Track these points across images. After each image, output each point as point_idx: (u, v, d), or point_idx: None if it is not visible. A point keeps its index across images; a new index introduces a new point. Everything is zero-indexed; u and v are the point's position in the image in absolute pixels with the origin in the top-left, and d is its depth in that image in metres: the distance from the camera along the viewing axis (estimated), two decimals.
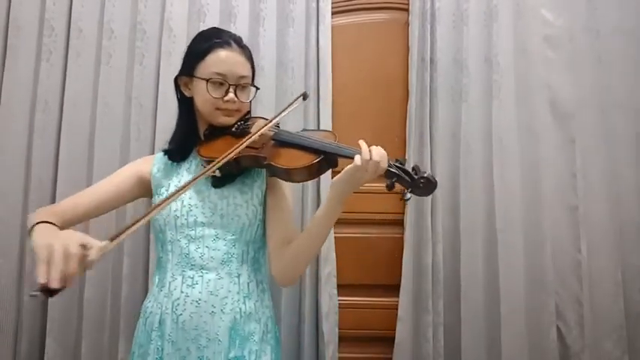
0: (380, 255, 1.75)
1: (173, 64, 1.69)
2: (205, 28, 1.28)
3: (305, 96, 1.19)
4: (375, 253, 1.76)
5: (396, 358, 1.66)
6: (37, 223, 0.96)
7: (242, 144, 1.06)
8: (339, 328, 1.68)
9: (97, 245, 0.81)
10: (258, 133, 1.09)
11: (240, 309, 1.12)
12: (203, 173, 1.01)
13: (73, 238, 0.81)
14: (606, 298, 1.65)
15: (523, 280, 1.64)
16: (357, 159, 0.99)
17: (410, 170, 1.00)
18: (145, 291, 1.67)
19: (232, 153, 1.04)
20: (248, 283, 1.15)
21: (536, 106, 1.71)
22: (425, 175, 0.98)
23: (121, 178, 1.20)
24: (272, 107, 1.69)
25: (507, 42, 1.71)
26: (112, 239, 0.84)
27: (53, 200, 1.67)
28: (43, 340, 1.63)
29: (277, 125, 1.17)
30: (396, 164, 1.01)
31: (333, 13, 1.77)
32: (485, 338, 1.65)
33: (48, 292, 0.76)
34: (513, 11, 1.73)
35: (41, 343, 1.65)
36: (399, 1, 1.82)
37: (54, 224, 0.97)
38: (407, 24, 1.78)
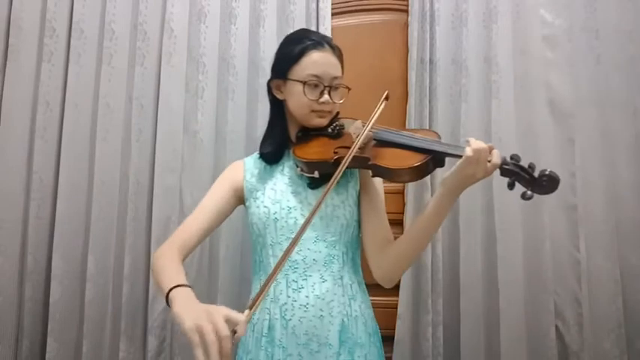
0: None
1: (174, 65, 1.70)
2: (293, 31, 1.28)
3: (387, 97, 1.13)
4: None
5: (395, 356, 1.67)
6: (173, 287, 0.91)
7: (356, 144, 1.03)
8: None
9: (241, 319, 0.80)
10: (365, 134, 1.05)
11: (347, 312, 1.11)
12: (339, 172, 0.98)
13: (219, 315, 0.78)
14: (605, 297, 1.65)
15: (522, 279, 1.65)
16: (468, 150, 0.96)
17: (527, 167, 0.95)
18: (146, 291, 1.67)
19: (353, 150, 1.01)
20: (351, 285, 1.14)
21: (536, 106, 1.71)
22: (547, 172, 0.94)
23: (220, 194, 1.19)
24: None
25: (506, 42, 1.72)
26: (250, 307, 0.84)
27: (54, 201, 1.68)
28: (45, 340, 1.64)
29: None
30: (512, 161, 0.97)
31: (332, 14, 1.77)
32: (484, 337, 1.65)
33: None
34: (512, 12, 1.73)
35: (42, 343, 1.65)
36: (399, 2, 1.83)
37: (188, 286, 0.92)
38: (406, 25, 1.79)
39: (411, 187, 1.71)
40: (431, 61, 1.72)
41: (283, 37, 1.72)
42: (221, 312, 0.79)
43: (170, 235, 1.65)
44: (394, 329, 1.67)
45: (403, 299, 1.67)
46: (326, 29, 1.74)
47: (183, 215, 1.68)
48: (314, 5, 1.75)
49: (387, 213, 1.73)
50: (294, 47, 1.15)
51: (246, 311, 0.83)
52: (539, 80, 1.71)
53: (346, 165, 1.00)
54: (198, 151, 1.71)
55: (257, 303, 0.84)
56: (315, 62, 1.13)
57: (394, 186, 1.72)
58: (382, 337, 1.68)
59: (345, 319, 1.10)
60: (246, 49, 1.74)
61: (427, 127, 1.70)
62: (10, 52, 1.70)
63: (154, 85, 1.72)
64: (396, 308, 1.68)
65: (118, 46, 1.72)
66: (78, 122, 1.70)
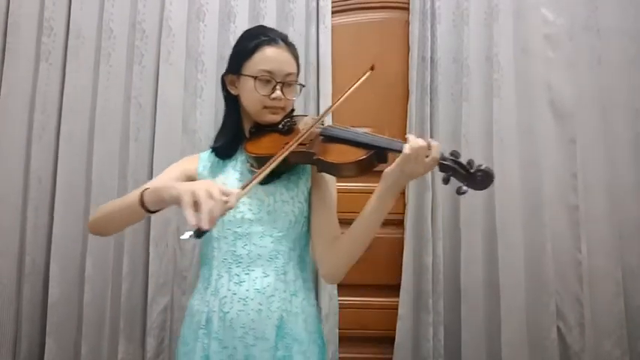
0: (380, 255, 1.74)
1: (172, 64, 1.69)
2: (251, 27, 1.27)
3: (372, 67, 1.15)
4: (375, 253, 1.74)
5: (396, 358, 1.66)
6: (144, 190, 1.01)
7: (298, 138, 1.04)
8: (339, 329, 1.68)
9: (234, 192, 0.88)
10: (312, 128, 1.07)
11: (287, 307, 1.11)
12: (266, 168, 1.00)
13: (212, 184, 0.89)
14: (606, 297, 1.65)
15: (523, 280, 1.64)
16: (406, 147, 0.97)
17: (465, 163, 0.96)
18: (145, 291, 1.67)
19: (291, 147, 1.03)
20: (294, 281, 1.13)
21: (537, 105, 1.71)
22: (482, 167, 0.95)
23: (172, 177, 1.19)
24: None
25: (508, 41, 1.71)
26: (242, 187, 0.93)
27: (52, 200, 1.67)
28: (43, 342, 1.63)
29: (322, 122, 1.16)
30: (451, 157, 0.98)
31: (333, 12, 1.76)
32: (485, 338, 1.65)
33: (199, 233, 0.82)
34: (514, 10, 1.73)
35: (41, 345, 1.65)
36: (399, 0, 1.81)
37: None
38: (407, 23, 1.78)
39: (411, 188, 1.70)
40: (432, 60, 1.71)
41: None
42: (215, 183, 0.90)
43: (170, 235, 1.67)
44: (395, 330, 1.66)
45: (404, 300, 1.67)
46: (326, 27, 1.73)
47: (182, 215, 1.66)
48: (314, 3, 1.74)
49: (388, 213, 1.74)
50: (248, 42, 1.16)
51: (238, 189, 0.91)
52: (540, 79, 1.71)
53: (284, 155, 1.02)
54: (197, 150, 1.68)
55: (249, 185, 0.94)
56: (268, 58, 1.13)
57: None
58: (383, 338, 1.70)
59: (285, 315, 1.10)
60: None
61: (428, 127, 1.69)
62: (8, 51, 1.69)
63: (152, 84, 1.71)
64: (397, 309, 1.67)
65: (116, 45, 1.71)
66: (76, 121, 1.69)
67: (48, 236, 1.67)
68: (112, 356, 1.65)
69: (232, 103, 1.21)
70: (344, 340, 1.68)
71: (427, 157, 0.97)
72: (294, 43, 1.69)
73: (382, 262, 1.74)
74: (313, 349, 1.12)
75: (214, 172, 1.20)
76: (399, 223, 1.72)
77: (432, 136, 1.69)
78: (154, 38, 1.72)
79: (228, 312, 1.08)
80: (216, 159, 1.22)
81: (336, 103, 1.15)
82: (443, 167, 0.98)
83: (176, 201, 0.89)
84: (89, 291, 1.64)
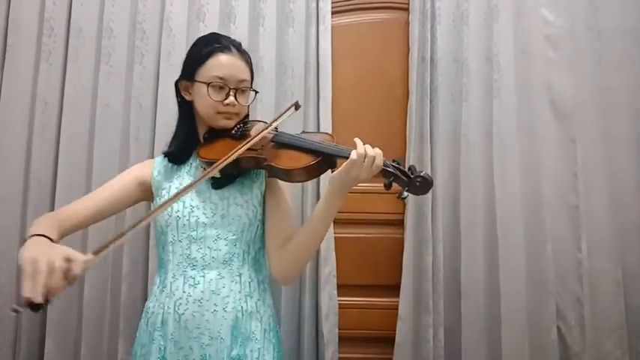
0: (380, 255, 1.75)
1: (173, 64, 1.69)
2: (204, 34, 1.30)
3: (297, 106, 1.19)
4: (375, 253, 1.75)
5: (396, 358, 1.66)
6: (32, 235, 0.94)
7: (243, 145, 1.08)
8: (339, 329, 1.67)
9: (80, 259, 0.84)
10: (259, 136, 1.11)
11: (242, 307, 1.13)
12: (205, 175, 1.04)
13: (58, 252, 0.83)
14: (607, 298, 1.65)
15: (523, 280, 1.64)
16: (353, 154, 1.03)
17: (406, 170, 1.03)
18: (145, 291, 1.67)
19: (234, 154, 1.06)
20: (249, 282, 1.16)
21: (537, 105, 1.71)
22: (421, 174, 1.02)
23: (122, 182, 1.21)
24: (272, 106, 1.69)
25: (508, 41, 1.71)
26: (95, 253, 0.87)
27: (52, 200, 1.67)
28: (43, 341, 1.63)
29: (276, 128, 1.19)
30: (393, 164, 1.04)
31: (333, 13, 1.76)
32: (485, 338, 1.64)
33: (32, 306, 0.77)
34: (514, 11, 1.73)
35: (41, 344, 1.64)
36: (399, 0, 1.82)
37: (48, 237, 0.94)
38: (407, 23, 1.78)
39: None
40: (432, 60, 1.71)
41: (283, 37, 1.73)
42: (63, 250, 0.84)
43: None
44: (395, 330, 1.66)
45: (404, 300, 1.66)
46: (326, 28, 1.73)
47: None
48: (314, 4, 1.74)
49: (387, 213, 1.75)
50: (201, 49, 1.18)
51: (90, 255, 0.86)
52: (540, 80, 1.71)
53: (231, 158, 1.05)
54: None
55: (104, 250, 0.88)
56: (221, 64, 1.16)
57: (394, 187, 1.71)
58: (383, 338, 1.70)
59: (240, 315, 1.12)
60: (245, 48, 1.72)
61: (428, 127, 1.69)
62: (9, 51, 1.69)
63: (152, 84, 1.71)
64: (397, 309, 1.67)
65: (117, 45, 1.71)
66: (76, 121, 1.69)
67: None
68: (112, 356, 1.64)
69: (186, 108, 1.24)
70: (344, 340, 1.68)
71: (372, 163, 1.03)
72: (294, 43, 1.72)
73: (382, 263, 1.74)
74: (268, 346, 1.15)
75: (169, 176, 1.21)
76: (399, 223, 1.72)
77: (431, 137, 1.69)
78: (154, 38, 1.72)
79: (183, 313, 1.10)
80: (170, 164, 1.23)
81: (277, 120, 1.16)
82: (385, 173, 1.04)
83: (21, 264, 0.82)
84: (89, 290, 1.64)
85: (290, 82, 1.72)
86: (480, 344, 1.64)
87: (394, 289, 1.69)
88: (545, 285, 1.63)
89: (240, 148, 1.07)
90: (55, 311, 1.63)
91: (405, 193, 1.02)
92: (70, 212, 1.12)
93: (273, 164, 1.09)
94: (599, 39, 1.72)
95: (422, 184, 1.02)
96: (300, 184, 1.63)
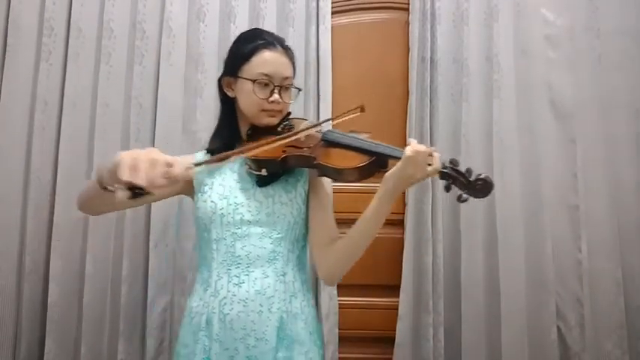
0: (380, 255, 1.74)
1: (173, 64, 1.69)
2: (246, 30, 1.29)
3: (362, 109, 1.17)
4: (375, 253, 1.74)
5: (396, 358, 1.66)
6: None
7: (291, 136, 1.06)
8: (339, 329, 1.67)
9: (181, 162, 0.82)
10: (306, 131, 1.10)
11: (287, 308, 1.11)
12: (289, 135, 1.03)
13: (159, 154, 0.80)
14: (607, 297, 1.65)
15: (523, 280, 1.64)
16: (408, 150, 0.99)
17: (464, 171, 0.99)
18: (145, 292, 1.66)
19: (284, 141, 1.04)
20: (293, 282, 1.14)
21: (537, 105, 1.71)
22: (481, 176, 0.98)
23: None
24: None
25: (508, 41, 1.71)
26: (196, 165, 0.91)
27: (52, 200, 1.67)
28: (43, 341, 1.63)
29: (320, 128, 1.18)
30: (450, 165, 1.00)
31: (333, 13, 1.76)
32: (485, 338, 1.65)
33: (133, 190, 0.75)
34: (514, 11, 1.73)
35: (40, 344, 1.64)
36: (399, 0, 1.82)
37: None
38: (407, 23, 1.78)
39: (411, 188, 1.69)
40: (432, 60, 1.71)
41: (284, 37, 1.72)
42: (162, 154, 0.80)
43: (169, 236, 1.67)
44: (395, 330, 1.66)
45: (404, 300, 1.66)
46: (326, 28, 1.73)
47: (183, 215, 1.67)
48: (314, 4, 1.74)
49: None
50: (246, 46, 1.16)
51: (191, 164, 0.89)
52: (540, 80, 1.71)
53: (276, 144, 1.03)
54: (197, 151, 1.70)
55: (203, 163, 0.93)
56: (266, 61, 1.14)
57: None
58: (383, 338, 1.70)
59: (285, 316, 1.10)
60: None
61: (428, 127, 1.69)
62: (9, 51, 1.69)
63: (152, 85, 1.71)
64: (397, 309, 1.67)
65: (117, 45, 1.71)
66: (76, 122, 1.69)
67: (48, 236, 1.67)
68: (112, 356, 1.64)
69: (228, 105, 1.22)
70: (344, 340, 1.68)
71: (429, 165, 0.99)
72: (295, 43, 1.72)
73: (382, 263, 1.74)
74: (314, 350, 1.13)
75: (212, 173, 1.19)
76: (399, 223, 1.72)
77: (431, 137, 1.69)
78: (154, 38, 1.72)
79: (228, 313, 1.08)
80: None
81: (340, 118, 1.15)
82: (443, 175, 1.00)
83: (116, 165, 0.78)
84: (89, 291, 1.64)
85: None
86: (480, 344, 1.64)
87: (394, 289, 1.69)
88: (545, 285, 1.64)
89: (290, 137, 1.05)
90: (55, 311, 1.63)
91: (465, 196, 0.99)
92: None
93: (323, 163, 1.07)
94: (599, 39, 1.72)
95: (483, 187, 0.98)
96: None
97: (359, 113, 1.17)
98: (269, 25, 1.72)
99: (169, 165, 0.79)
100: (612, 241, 1.66)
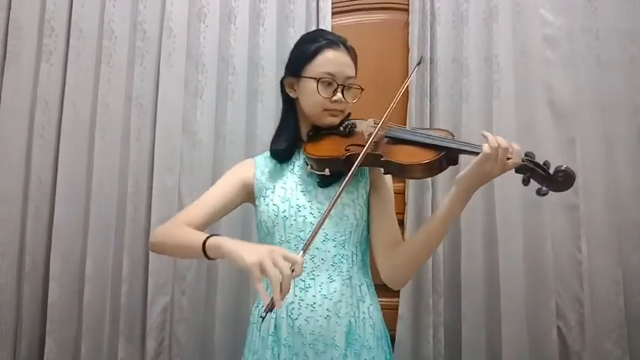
0: None
1: (173, 65, 1.70)
2: (309, 31, 1.30)
3: (419, 62, 1.19)
4: None
5: (396, 357, 1.65)
6: (209, 236, 0.98)
7: (371, 139, 1.05)
8: None
9: (299, 260, 0.85)
10: (381, 129, 1.09)
11: (355, 313, 1.10)
12: (357, 164, 1.01)
13: (278, 253, 0.84)
14: (606, 297, 1.65)
15: (523, 280, 1.64)
16: (486, 147, 0.96)
17: (542, 164, 0.96)
18: (145, 292, 1.67)
19: (367, 147, 1.03)
20: (360, 286, 1.13)
21: (536, 105, 1.71)
22: (563, 168, 0.95)
23: (228, 187, 1.18)
24: (272, 106, 1.69)
25: (507, 42, 1.71)
26: (304, 250, 0.90)
27: (53, 200, 1.67)
28: (43, 341, 1.63)
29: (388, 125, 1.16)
30: (527, 157, 0.98)
31: (333, 13, 1.77)
32: (485, 338, 1.65)
33: (271, 309, 0.83)
34: (513, 11, 1.73)
35: (41, 344, 1.65)
36: (399, 1, 1.82)
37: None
38: (407, 24, 1.78)
39: (411, 188, 1.70)
40: (431, 60, 1.71)
41: (284, 37, 1.74)
42: (280, 251, 0.85)
43: None
44: (395, 330, 1.66)
45: (404, 300, 1.67)
46: (326, 28, 1.73)
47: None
48: (314, 4, 1.75)
49: None
50: (309, 46, 1.15)
51: (301, 252, 0.88)
52: (539, 80, 1.71)
53: (361, 160, 1.01)
54: (198, 151, 1.70)
55: (309, 245, 0.91)
56: (330, 60, 1.13)
57: (394, 186, 1.71)
58: None
59: (353, 321, 1.09)
60: (245, 48, 1.73)
61: (428, 127, 1.69)
62: (10, 51, 1.70)
63: (153, 85, 1.72)
64: (397, 309, 1.67)
65: (117, 46, 1.72)
66: (77, 122, 1.70)
67: (48, 236, 1.67)
68: (112, 356, 1.65)
69: (291, 106, 1.21)
70: None
71: (509, 158, 0.96)
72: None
73: None
74: (381, 355, 1.11)
75: (273, 176, 1.18)
76: (399, 223, 1.70)
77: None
78: (154, 39, 1.73)
79: (296, 318, 1.07)
80: (273, 163, 1.20)
81: (395, 100, 1.16)
82: (520, 168, 0.97)
83: (244, 270, 0.86)
84: (89, 291, 1.64)
85: None
86: (480, 344, 1.64)
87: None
88: (544, 284, 1.64)
89: (373, 137, 1.04)
90: (55, 311, 1.63)
91: (545, 189, 0.95)
92: (191, 215, 1.12)
93: (391, 160, 1.03)
94: (598, 39, 1.72)
95: (564, 180, 0.94)
96: None
97: (418, 66, 1.13)
98: (269, 25, 1.73)
99: (294, 271, 0.84)
100: (612, 240, 1.66)
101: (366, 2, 1.83)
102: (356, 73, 1.19)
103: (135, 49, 1.72)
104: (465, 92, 1.70)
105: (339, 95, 1.13)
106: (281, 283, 0.81)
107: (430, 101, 1.70)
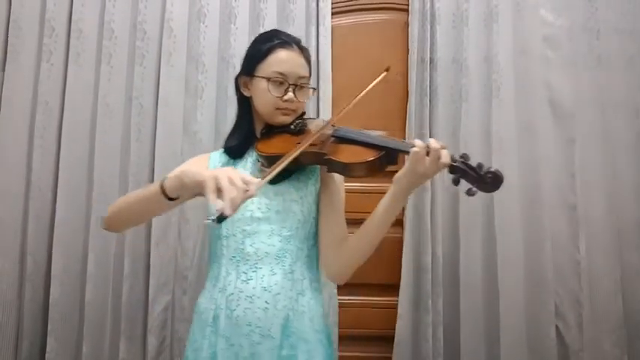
0: (379, 255, 1.72)
1: (173, 65, 1.70)
2: (265, 31, 1.31)
3: (388, 69, 1.21)
4: (375, 252, 1.74)
5: (395, 357, 1.66)
6: (163, 180, 1.02)
7: (310, 138, 1.07)
8: (339, 328, 1.68)
9: (255, 181, 0.89)
10: (323, 129, 1.11)
11: (293, 306, 1.11)
12: (284, 161, 1.02)
13: (234, 171, 0.89)
14: (605, 297, 1.65)
15: (522, 280, 1.65)
16: (415, 147, 0.99)
17: (475, 166, 0.99)
18: (146, 291, 1.67)
19: (305, 145, 1.05)
20: (302, 281, 1.14)
21: (536, 105, 1.71)
22: (492, 169, 0.98)
23: None
24: None
25: (507, 42, 1.72)
26: (263, 177, 0.93)
27: (53, 200, 1.68)
28: (44, 341, 1.64)
29: (332, 125, 1.18)
30: (460, 159, 1.00)
31: (333, 14, 1.77)
32: (484, 337, 1.65)
33: (220, 218, 0.84)
34: (513, 11, 1.73)
35: (42, 344, 1.65)
36: (399, 1, 1.82)
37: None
38: (406, 24, 1.78)
39: None
40: (431, 61, 1.71)
41: None
42: (238, 172, 0.90)
43: (170, 235, 1.67)
44: (394, 329, 1.67)
45: (403, 299, 1.67)
46: (326, 28, 1.73)
47: (183, 215, 1.67)
48: (314, 4, 1.75)
49: None
50: (262, 45, 1.18)
51: (258, 179, 0.91)
52: (539, 80, 1.71)
53: (300, 151, 1.04)
54: (198, 151, 1.69)
55: (271, 173, 0.95)
56: (282, 60, 1.15)
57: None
58: (382, 337, 1.70)
59: (291, 314, 1.10)
60: (245, 48, 1.72)
61: (427, 127, 1.70)
62: (10, 51, 1.69)
63: (153, 85, 1.72)
64: (397, 308, 1.68)
65: (118, 46, 1.72)
66: (77, 122, 1.70)
67: (49, 236, 1.67)
68: (113, 356, 1.65)
69: (245, 104, 1.23)
70: (344, 339, 1.69)
71: (438, 158, 0.99)
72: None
73: (382, 262, 1.74)
74: (318, 348, 1.12)
75: None
76: (399, 223, 1.72)
77: (431, 137, 1.68)
78: (155, 39, 1.73)
79: (234, 309, 1.09)
80: (227, 159, 1.23)
81: (350, 105, 1.16)
82: (453, 169, 1.00)
83: (199, 186, 0.90)
84: (90, 290, 1.64)
85: None
86: (479, 343, 1.65)
87: (393, 288, 1.70)
88: (543, 284, 1.64)
89: (310, 139, 1.06)
90: (57, 311, 1.64)
91: (474, 190, 0.99)
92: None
93: (333, 158, 1.07)
94: (599, 39, 1.73)
95: (493, 181, 0.97)
96: None
97: (385, 73, 1.19)
98: (269, 25, 1.72)
99: (246, 189, 0.87)
100: (611, 240, 1.67)
101: (366, 2, 1.83)
102: (310, 74, 1.22)
103: (135, 49, 1.72)
104: (465, 92, 1.70)
105: (290, 95, 1.15)
106: (234, 195, 0.84)
107: (430, 101, 1.71)
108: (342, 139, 1.13)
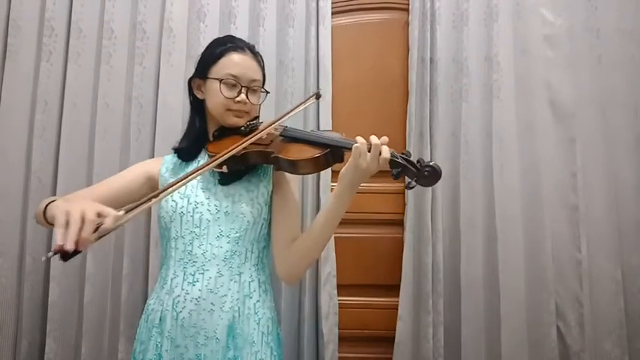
0: (380, 255, 1.75)
1: (173, 64, 1.70)
2: (220, 36, 1.32)
3: (318, 96, 1.24)
4: (375, 253, 1.76)
5: (396, 358, 1.66)
6: (51, 201, 1.03)
7: (251, 137, 1.10)
8: (339, 328, 1.68)
9: (112, 214, 0.85)
10: (267, 129, 1.14)
11: (239, 308, 1.12)
12: (214, 160, 1.05)
13: (90, 205, 0.85)
14: (606, 297, 1.65)
15: (523, 280, 1.64)
16: (358, 141, 1.03)
17: (415, 161, 1.02)
18: (146, 291, 1.67)
19: (242, 145, 1.08)
20: (249, 282, 1.15)
21: (536, 105, 1.71)
22: (430, 164, 1.01)
23: (132, 175, 1.23)
24: (272, 107, 1.69)
25: (507, 41, 1.71)
26: (127, 211, 0.88)
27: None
28: (43, 341, 1.63)
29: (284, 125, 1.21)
30: (401, 155, 1.04)
31: (333, 13, 1.77)
32: (485, 338, 1.65)
33: (63, 254, 0.80)
34: (513, 11, 1.73)
35: (41, 344, 1.65)
36: (399, 1, 1.82)
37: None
38: (407, 24, 1.78)
39: None
40: (431, 60, 1.71)
41: (283, 37, 1.74)
42: (95, 205, 0.86)
43: None
44: (395, 330, 1.66)
45: (404, 300, 1.67)
46: (326, 28, 1.73)
47: None
48: (314, 4, 1.74)
49: (388, 213, 1.75)
50: (216, 49, 1.22)
51: (121, 212, 0.87)
52: (540, 80, 1.71)
53: (241, 147, 1.07)
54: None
55: (134, 210, 0.88)
56: (234, 63, 1.19)
57: (395, 187, 1.72)
58: (383, 337, 1.70)
59: (237, 315, 1.12)
60: None
61: (427, 127, 1.69)
62: (9, 51, 1.69)
63: (153, 85, 1.72)
64: (397, 309, 1.67)
65: (117, 46, 1.72)
66: (77, 122, 1.70)
67: (48, 236, 1.67)
68: (112, 356, 1.65)
69: (198, 107, 1.26)
70: (344, 339, 1.69)
71: (379, 153, 1.02)
72: (294, 43, 1.72)
73: (382, 262, 1.75)
74: (266, 351, 1.13)
75: (176, 173, 1.22)
76: (399, 223, 1.72)
77: (431, 137, 1.69)
78: (154, 39, 1.72)
79: (180, 311, 1.11)
80: (179, 161, 1.25)
81: (284, 117, 1.19)
82: (394, 164, 1.04)
83: (54, 219, 0.85)
84: (89, 291, 1.64)
85: (290, 82, 1.72)
86: (480, 343, 1.64)
87: (394, 288, 1.70)
88: (544, 284, 1.64)
89: (248, 139, 1.09)
90: (55, 311, 1.63)
91: (413, 184, 1.02)
92: (82, 196, 1.14)
93: (280, 156, 1.10)
94: (599, 39, 1.72)
95: (430, 175, 1.01)
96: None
97: (314, 100, 1.23)
98: (269, 25, 1.73)
99: (100, 222, 0.83)
100: (612, 240, 1.67)
101: (366, 2, 1.83)
102: (263, 78, 1.25)
103: (135, 49, 1.72)
104: (465, 92, 1.70)
105: (242, 96, 1.18)
106: (81, 230, 0.80)
107: (430, 101, 1.70)
108: (289, 139, 1.17)
